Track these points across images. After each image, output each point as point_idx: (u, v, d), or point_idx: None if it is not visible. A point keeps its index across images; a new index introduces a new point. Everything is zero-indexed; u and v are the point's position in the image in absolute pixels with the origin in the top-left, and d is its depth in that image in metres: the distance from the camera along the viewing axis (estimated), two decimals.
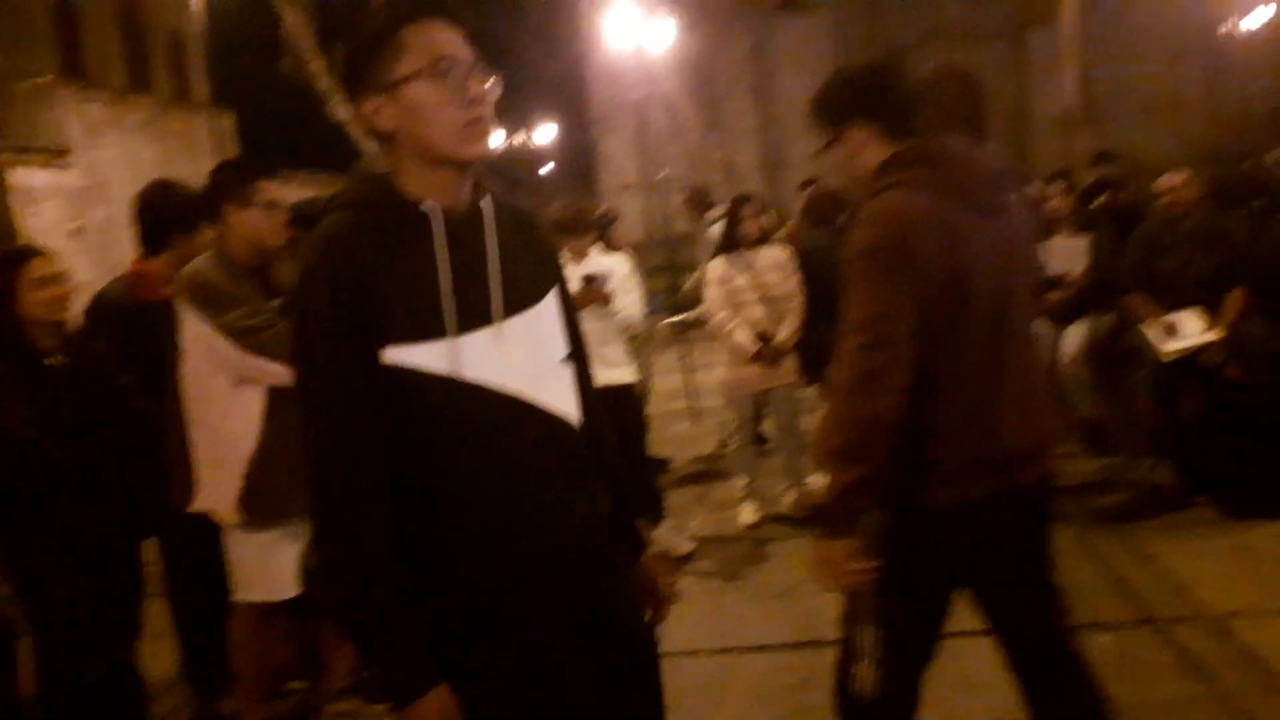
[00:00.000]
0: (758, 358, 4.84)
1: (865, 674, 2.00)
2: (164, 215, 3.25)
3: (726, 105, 26.86)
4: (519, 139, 30.71)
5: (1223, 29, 20.78)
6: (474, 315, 1.44)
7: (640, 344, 5.38)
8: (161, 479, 3.00)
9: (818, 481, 5.36)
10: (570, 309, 1.66)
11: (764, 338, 4.85)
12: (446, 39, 1.44)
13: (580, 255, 4.60)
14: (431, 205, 1.44)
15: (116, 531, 2.97)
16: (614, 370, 4.56)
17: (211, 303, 2.73)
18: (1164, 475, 4.77)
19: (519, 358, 1.47)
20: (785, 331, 4.87)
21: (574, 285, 4.38)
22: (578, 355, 1.64)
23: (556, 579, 1.49)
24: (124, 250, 4.05)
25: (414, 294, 1.40)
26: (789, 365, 4.94)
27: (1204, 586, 3.65)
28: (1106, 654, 3.22)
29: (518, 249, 1.52)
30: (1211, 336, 4.63)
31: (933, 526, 1.95)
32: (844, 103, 2.00)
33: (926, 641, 2.10)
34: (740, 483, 5.16)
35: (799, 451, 5.15)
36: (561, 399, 1.54)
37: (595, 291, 4.42)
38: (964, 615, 3.42)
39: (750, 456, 5.17)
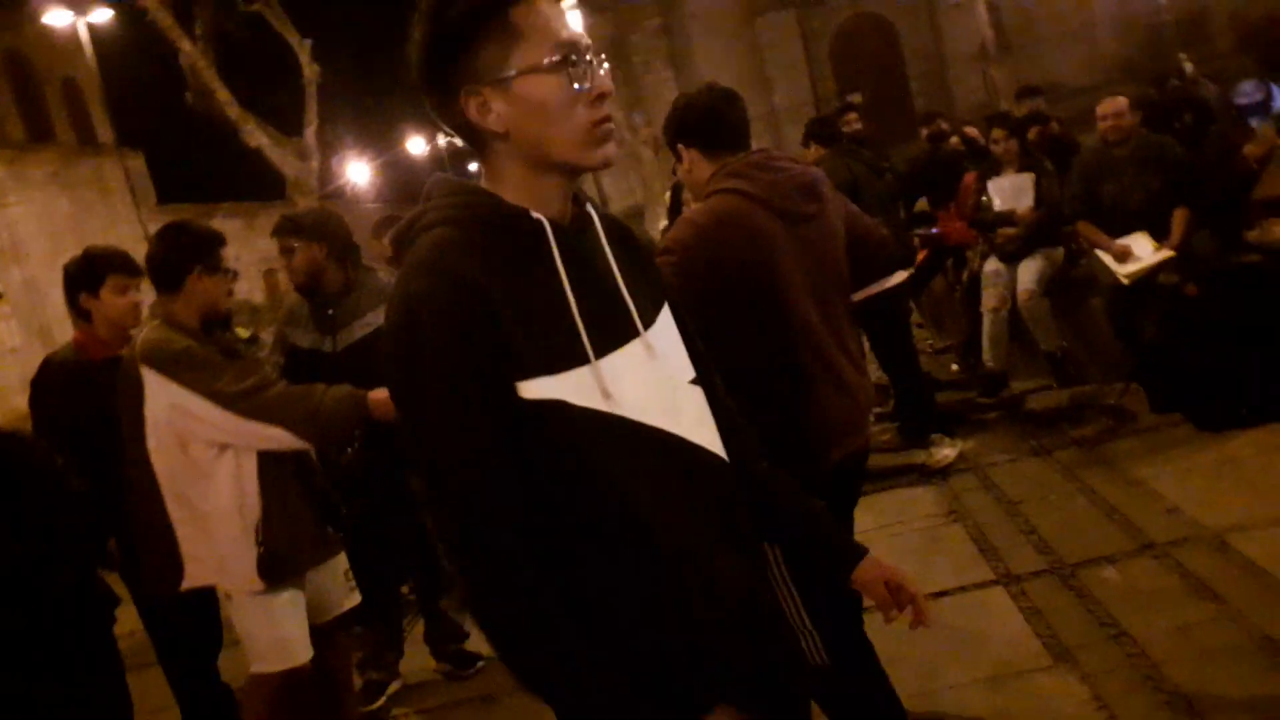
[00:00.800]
0: None
1: (809, 645, 2.16)
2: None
3: (645, 81, 26.77)
4: (442, 142, 30.28)
5: None
6: (610, 335, 1.24)
7: None
8: (126, 559, 2.85)
9: None
10: (685, 324, 1.42)
11: None
12: (561, 20, 1.22)
13: None
14: (541, 217, 1.23)
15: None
16: None
17: (192, 369, 2.58)
18: (1135, 398, 4.82)
19: (656, 380, 1.28)
20: None
21: None
22: (706, 376, 1.40)
23: (727, 652, 1.26)
24: (52, 311, 3.86)
25: (540, 317, 1.19)
26: None
27: (1195, 505, 3.68)
28: (1113, 587, 3.27)
29: (626, 261, 1.33)
30: (1164, 256, 4.67)
31: None
32: (673, 129, 2.35)
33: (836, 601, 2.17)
34: None
35: None
36: (705, 428, 1.33)
37: None
38: (953, 574, 3.41)
39: None
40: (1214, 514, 3.57)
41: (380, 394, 2.67)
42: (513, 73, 1.18)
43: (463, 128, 1.24)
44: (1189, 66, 7.25)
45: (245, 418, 2.57)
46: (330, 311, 3.40)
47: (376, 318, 3.37)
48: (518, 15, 1.18)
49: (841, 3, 26.14)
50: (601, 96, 1.22)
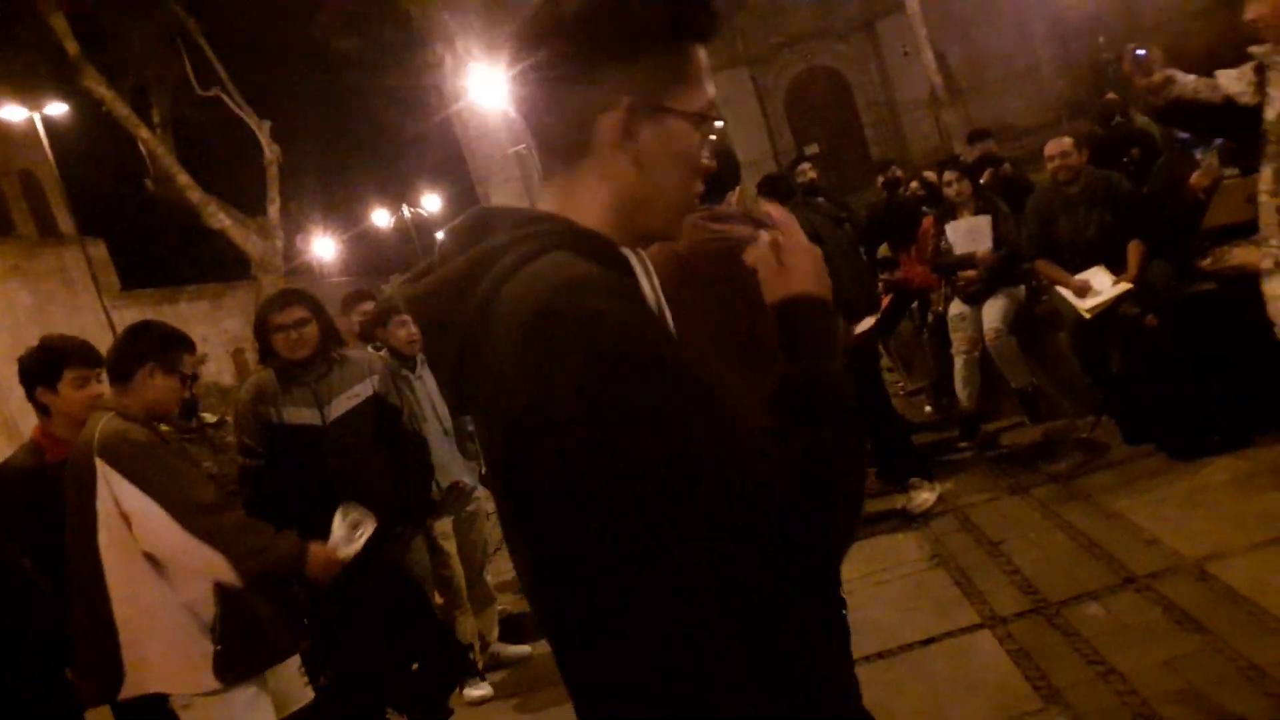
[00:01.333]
0: None
1: None
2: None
3: None
4: (407, 213, 30.45)
5: None
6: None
7: None
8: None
9: None
10: None
11: None
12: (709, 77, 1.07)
13: None
14: (629, 253, 1.06)
15: None
16: None
17: (152, 470, 2.53)
18: (1107, 430, 4.85)
19: None
20: None
21: None
22: None
23: None
24: (16, 406, 3.78)
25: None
26: None
27: (1173, 535, 3.69)
28: (1099, 624, 3.25)
29: None
30: (1123, 288, 4.75)
31: None
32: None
33: None
34: None
35: None
36: None
37: None
38: (939, 620, 3.39)
39: None
40: (1192, 543, 3.58)
41: (321, 552, 2.75)
42: (680, 108, 1.03)
43: (567, 126, 1.03)
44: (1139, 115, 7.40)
45: (195, 536, 2.52)
46: (316, 385, 3.42)
47: (365, 389, 3.50)
48: (698, 52, 1.06)
49: (793, 58, 26.74)
50: (706, 171, 1.09)
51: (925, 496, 4.72)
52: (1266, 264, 2.93)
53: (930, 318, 6.16)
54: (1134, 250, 4.91)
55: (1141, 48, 3.01)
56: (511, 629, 4.65)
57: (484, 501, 4.45)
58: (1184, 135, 5.52)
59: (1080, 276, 4.94)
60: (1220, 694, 2.70)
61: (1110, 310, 4.78)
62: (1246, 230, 4.77)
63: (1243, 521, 3.65)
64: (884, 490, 5.04)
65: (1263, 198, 2.93)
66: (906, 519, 4.64)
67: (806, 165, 6.27)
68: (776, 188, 5.70)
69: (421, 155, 25.30)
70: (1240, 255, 4.72)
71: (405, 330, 4.15)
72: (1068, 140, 5.16)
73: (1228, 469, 4.14)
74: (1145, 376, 4.55)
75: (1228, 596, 3.19)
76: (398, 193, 29.37)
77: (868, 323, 4.95)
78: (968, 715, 2.98)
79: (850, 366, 5.15)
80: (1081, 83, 22.53)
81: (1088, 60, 23.05)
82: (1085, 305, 4.84)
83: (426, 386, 4.21)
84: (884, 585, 4.05)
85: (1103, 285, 4.87)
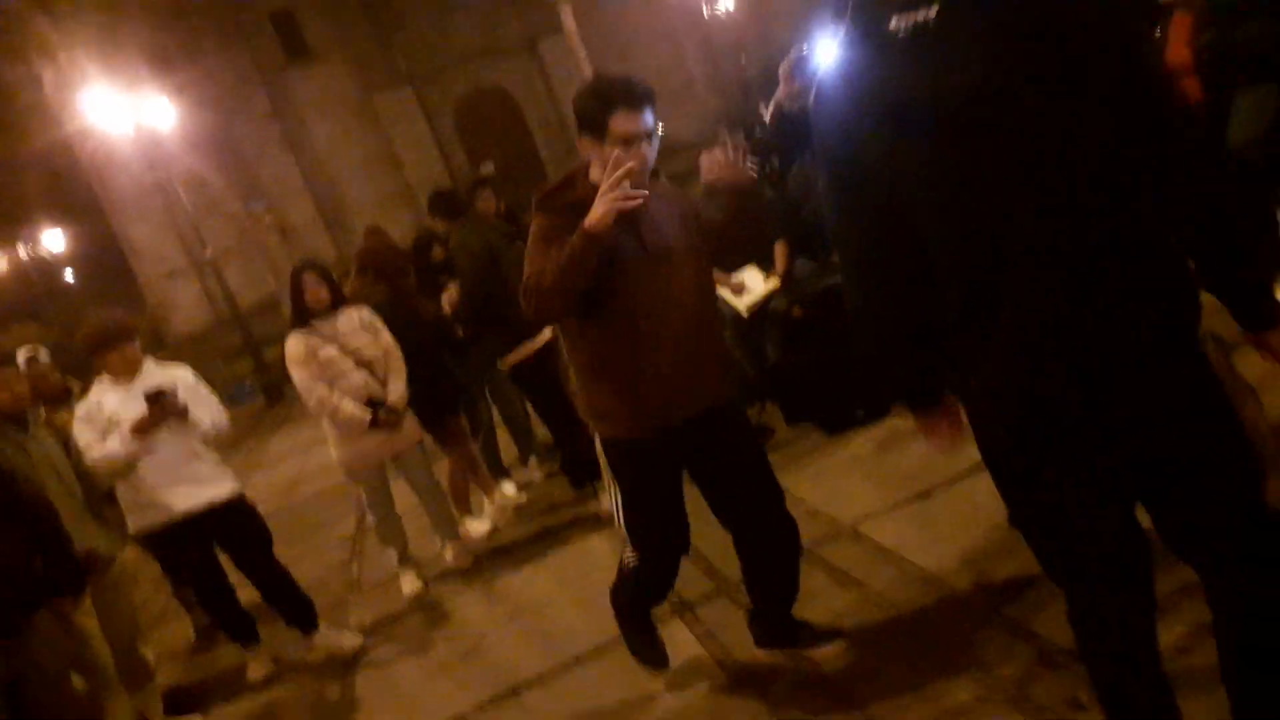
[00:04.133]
0: (375, 425, 4.52)
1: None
2: None
3: (262, 166, 25.52)
4: (23, 253, 26.64)
5: (707, 11, 23.59)
6: None
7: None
8: None
9: (475, 528, 5.21)
10: None
11: (374, 403, 4.51)
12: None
13: (133, 370, 4.02)
14: None
15: None
16: (213, 487, 4.09)
17: None
18: (772, 415, 5.24)
19: None
20: (395, 391, 4.58)
21: (136, 407, 3.87)
22: None
23: None
24: None
25: None
26: (410, 424, 4.70)
27: (831, 504, 4.03)
28: None
29: None
30: (772, 285, 5.16)
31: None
32: None
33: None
34: (393, 555, 4.86)
35: (444, 504, 4.97)
36: None
37: (169, 406, 3.91)
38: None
39: (394, 527, 4.83)
40: (848, 508, 3.93)
41: None
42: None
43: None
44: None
45: None
46: None
47: None
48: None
49: (459, 77, 26.72)
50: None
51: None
52: None
53: None
54: (780, 250, 5.35)
55: (797, 51, 3.27)
56: (176, 703, 4.27)
57: (126, 566, 4.03)
58: None
59: (736, 277, 5.30)
60: (878, 645, 2.98)
61: (763, 306, 5.18)
62: None
63: (886, 483, 4.07)
64: (577, 497, 5.13)
65: None
66: (599, 522, 4.72)
67: (486, 192, 6.15)
68: (446, 207, 5.62)
69: (38, 186, 22.26)
70: None
71: (8, 391, 3.63)
72: (716, 151, 5.50)
73: (872, 438, 4.61)
74: (798, 362, 4.97)
75: (878, 553, 3.54)
76: (9, 231, 25.61)
77: (547, 335, 5.00)
78: (669, 706, 3.08)
79: (529, 380, 5.19)
80: (732, 98, 24.46)
81: (735, 78, 25.10)
82: (743, 303, 5.20)
83: (44, 448, 3.71)
84: (583, 592, 4.09)
85: (755, 284, 5.26)
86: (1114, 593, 1.73)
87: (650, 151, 2.55)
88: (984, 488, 3.61)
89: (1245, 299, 1.57)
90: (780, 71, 3.38)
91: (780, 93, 3.50)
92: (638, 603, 3.14)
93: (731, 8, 22.58)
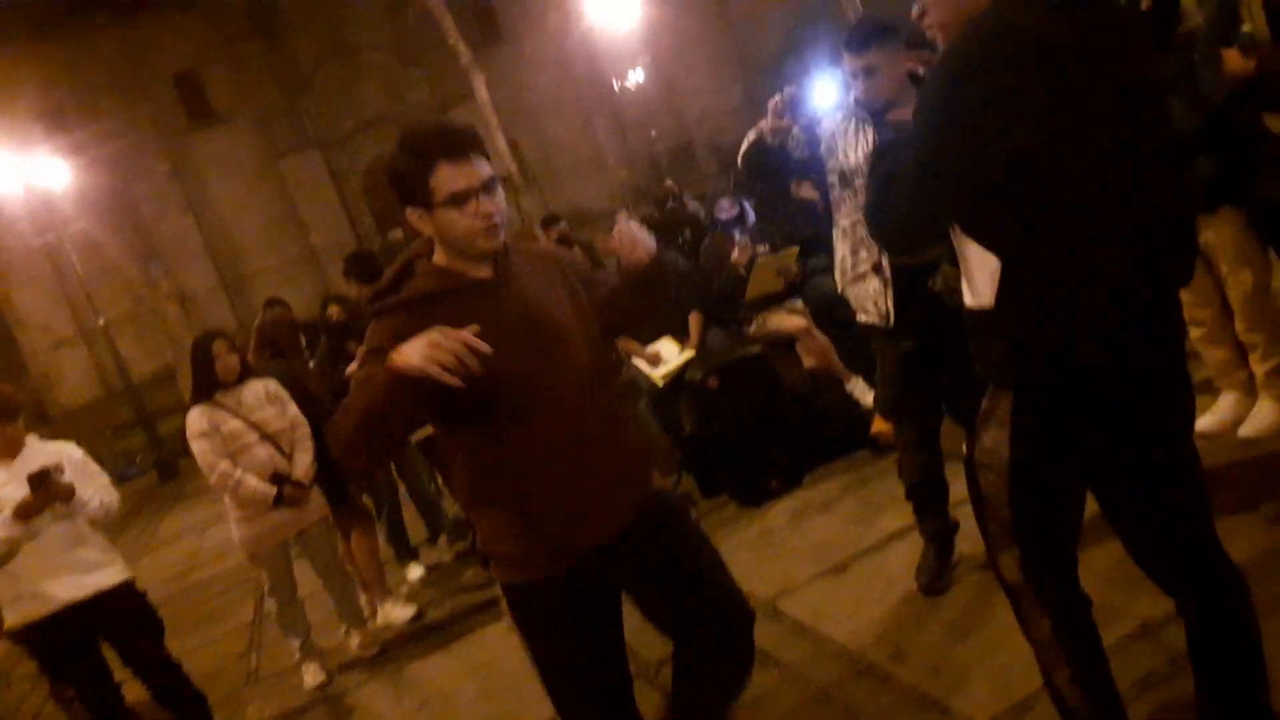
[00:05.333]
0: (280, 501, 4.34)
1: None
2: None
3: (162, 230, 24.78)
4: None
5: (617, 85, 24.11)
6: None
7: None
8: None
9: (395, 614, 4.99)
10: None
11: (279, 478, 4.35)
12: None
13: (14, 449, 3.78)
14: None
15: None
16: (100, 574, 3.83)
17: None
18: (688, 486, 5.22)
19: None
20: (302, 464, 4.43)
21: (18, 490, 3.62)
22: None
23: None
24: None
25: None
26: (316, 500, 4.53)
27: (749, 579, 3.97)
28: None
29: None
30: (688, 356, 5.19)
31: None
32: None
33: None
34: (294, 644, 4.62)
35: (350, 588, 4.77)
36: None
37: (55, 487, 3.67)
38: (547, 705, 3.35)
39: (295, 613, 4.60)
40: (764, 583, 3.90)
41: None
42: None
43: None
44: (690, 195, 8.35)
45: None
46: None
47: None
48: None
49: (367, 141, 26.59)
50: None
51: None
52: (862, 269, 3.27)
53: None
54: (694, 321, 5.40)
55: (792, 89, 3.29)
56: None
57: None
58: (720, 218, 6.19)
59: (652, 348, 5.32)
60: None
61: (678, 376, 5.20)
62: (780, 299, 5.49)
63: (802, 556, 4.07)
64: (488, 580, 5.00)
65: (844, 223, 3.31)
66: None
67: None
68: (363, 271, 5.48)
69: None
70: (776, 321, 5.39)
71: None
72: (628, 220, 5.57)
73: (787, 509, 4.62)
74: (713, 433, 4.98)
75: (795, 629, 3.51)
76: None
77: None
78: None
79: (440, 452, 5.07)
80: (640, 171, 24.91)
81: (644, 151, 25.61)
82: (658, 373, 5.22)
83: None
84: (489, 678, 3.98)
85: (670, 354, 5.29)
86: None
87: (497, 201, 2.04)
88: (897, 558, 3.70)
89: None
90: (770, 105, 3.30)
91: (765, 124, 3.29)
92: None
93: (642, 80, 23.13)
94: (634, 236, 2.20)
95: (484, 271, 2.08)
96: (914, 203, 1.77)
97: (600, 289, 2.24)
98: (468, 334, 1.82)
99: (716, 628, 2.29)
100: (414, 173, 1.99)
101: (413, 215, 2.03)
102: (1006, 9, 1.70)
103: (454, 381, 1.80)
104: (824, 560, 3.90)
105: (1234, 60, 2.94)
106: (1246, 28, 2.94)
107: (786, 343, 5.35)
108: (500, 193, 2.06)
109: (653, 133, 24.68)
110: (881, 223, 1.87)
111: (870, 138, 3.14)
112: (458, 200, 1.98)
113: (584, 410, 2.09)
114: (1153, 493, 1.86)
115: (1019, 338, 1.77)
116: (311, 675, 4.55)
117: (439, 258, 2.09)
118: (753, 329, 5.44)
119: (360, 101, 26.14)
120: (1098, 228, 1.73)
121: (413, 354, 1.81)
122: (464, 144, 1.99)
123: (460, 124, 2.06)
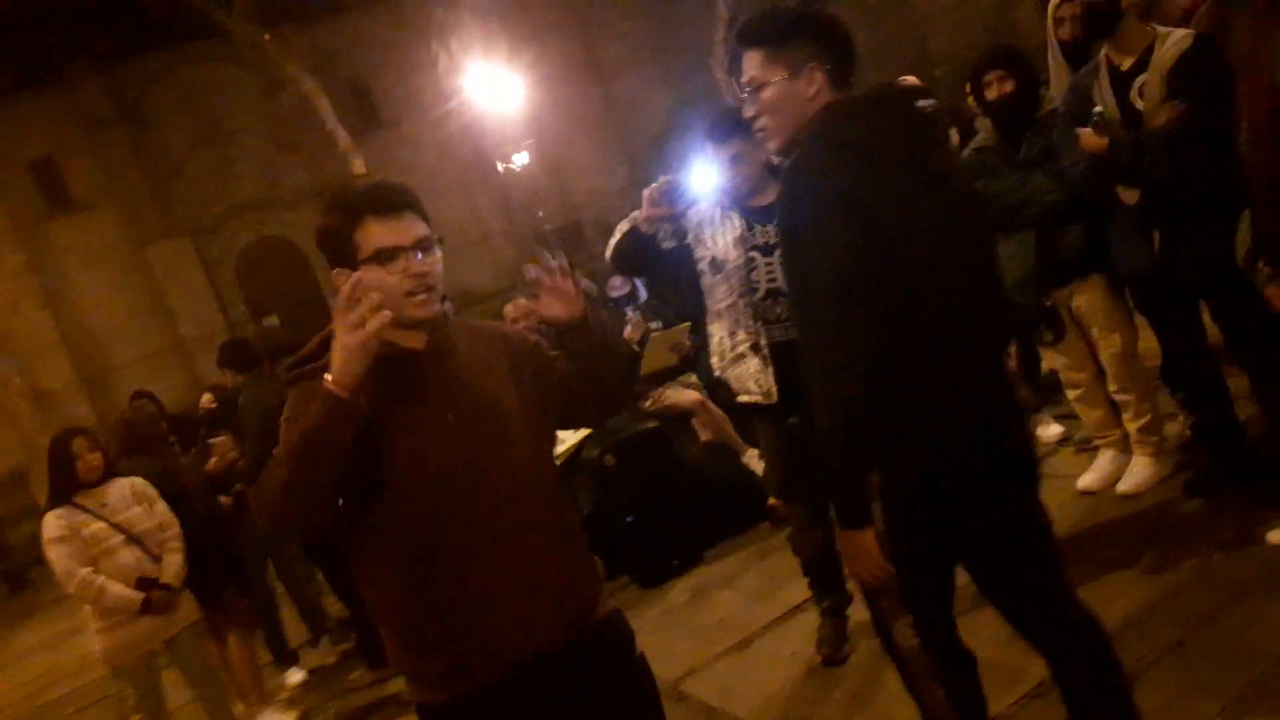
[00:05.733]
0: (147, 608, 4.02)
1: None
2: None
3: (14, 325, 23.38)
4: None
5: (501, 167, 24.26)
6: None
7: None
8: None
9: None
10: None
11: (146, 583, 4.04)
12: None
13: None
14: None
15: None
16: None
17: None
18: None
19: None
20: (172, 567, 4.13)
21: None
22: None
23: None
24: None
25: None
26: (186, 604, 4.21)
27: (654, 662, 3.85)
28: None
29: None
30: (584, 433, 5.12)
31: None
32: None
33: None
34: None
35: (223, 697, 4.43)
36: None
37: None
38: None
39: None
40: (668, 666, 3.78)
41: None
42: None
43: None
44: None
45: None
46: None
47: None
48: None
49: (240, 226, 25.88)
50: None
51: None
52: (741, 349, 3.24)
53: None
54: None
55: (667, 177, 3.24)
56: None
57: None
58: (612, 295, 6.22)
59: None
60: None
61: (575, 454, 5.11)
62: (674, 374, 5.50)
63: (705, 634, 4.00)
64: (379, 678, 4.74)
65: (718, 306, 3.31)
66: (400, 705, 4.36)
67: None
68: (238, 359, 5.22)
69: None
70: (671, 395, 5.39)
71: None
72: (522, 302, 5.53)
73: (688, 587, 4.56)
74: (612, 513, 4.89)
75: (702, 710, 3.43)
76: None
77: None
78: None
79: (320, 547, 4.81)
80: (528, 251, 24.99)
81: (531, 230, 25.75)
82: (555, 453, 5.11)
83: None
84: None
85: (565, 432, 5.20)
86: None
87: (430, 264, 1.83)
88: (800, 629, 3.67)
89: None
90: (645, 194, 3.21)
91: (640, 214, 3.19)
92: None
93: (527, 162, 23.36)
94: (554, 284, 1.91)
95: (416, 342, 1.86)
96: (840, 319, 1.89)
97: (554, 374, 2.00)
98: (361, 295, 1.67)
99: None
100: (339, 228, 1.83)
101: (338, 279, 1.80)
102: (834, 119, 1.95)
103: (389, 318, 1.68)
104: (727, 638, 3.85)
105: (1089, 139, 3.14)
106: (1098, 109, 3.15)
107: (682, 417, 5.35)
108: (438, 256, 1.84)
109: (539, 213, 24.87)
110: (848, 359, 1.89)
111: (736, 224, 3.19)
112: (383, 258, 1.79)
113: (518, 505, 1.84)
114: (1008, 565, 2.06)
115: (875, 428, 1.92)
116: None
117: None
118: (648, 404, 5.42)
119: (233, 187, 25.48)
120: (939, 324, 1.93)
121: (341, 356, 1.69)
122: (396, 200, 1.83)
123: (394, 183, 1.89)
